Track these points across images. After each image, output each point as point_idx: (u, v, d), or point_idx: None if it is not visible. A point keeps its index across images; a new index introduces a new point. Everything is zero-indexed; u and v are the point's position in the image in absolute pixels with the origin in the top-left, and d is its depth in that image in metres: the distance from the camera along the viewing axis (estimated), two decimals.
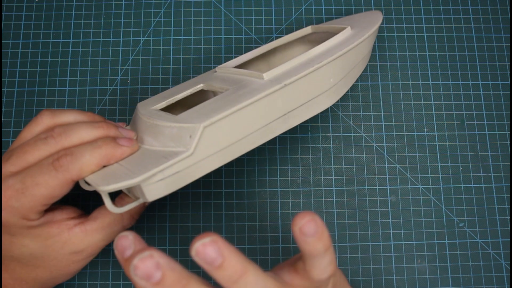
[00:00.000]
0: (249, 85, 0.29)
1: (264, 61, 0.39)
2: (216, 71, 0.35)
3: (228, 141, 0.27)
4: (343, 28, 0.33)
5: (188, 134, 0.25)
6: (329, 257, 0.22)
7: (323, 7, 0.42)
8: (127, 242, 0.19)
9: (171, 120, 0.27)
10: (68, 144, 0.26)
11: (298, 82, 0.28)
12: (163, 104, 0.31)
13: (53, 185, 0.25)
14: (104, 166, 0.26)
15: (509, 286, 0.36)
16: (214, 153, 0.26)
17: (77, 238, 0.27)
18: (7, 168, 0.26)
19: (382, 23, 0.40)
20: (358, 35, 0.32)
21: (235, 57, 0.40)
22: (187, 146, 0.25)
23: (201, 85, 0.32)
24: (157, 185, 0.25)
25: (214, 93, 0.36)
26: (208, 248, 0.18)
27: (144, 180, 0.24)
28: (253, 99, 0.27)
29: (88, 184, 0.29)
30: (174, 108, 0.35)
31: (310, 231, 0.21)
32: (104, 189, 0.24)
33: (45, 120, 0.28)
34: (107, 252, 0.36)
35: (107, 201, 0.26)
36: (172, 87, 0.39)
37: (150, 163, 0.25)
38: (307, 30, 0.37)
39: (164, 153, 0.26)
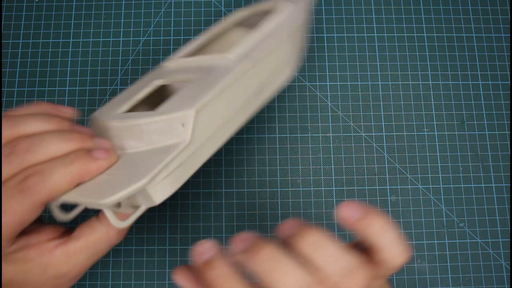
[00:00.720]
0: (217, 67, 0.28)
1: (206, 51, 0.37)
2: (165, 67, 0.33)
3: (218, 122, 0.26)
4: (281, 5, 0.34)
5: (180, 123, 0.24)
6: (393, 238, 0.21)
7: (323, 7, 0.42)
8: (206, 247, 0.21)
9: (152, 115, 0.25)
10: (35, 160, 0.23)
11: (265, 55, 0.29)
12: (126, 106, 0.29)
13: (20, 211, 0.22)
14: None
15: (509, 286, 0.36)
16: (209, 137, 0.26)
17: (60, 261, 0.25)
18: None
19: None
20: (298, 6, 0.33)
21: None
22: (182, 136, 0.24)
23: (161, 80, 0.30)
24: (163, 184, 0.24)
25: (176, 86, 0.35)
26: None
27: (150, 181, 0.23)
28: (234, 76, 0.27)
29: (64, 208, 0.26)
30: (133, 110, 0.33)
31: (350, 215, 0.21)
32: (108, 201, 0.21)
33: (4, 131, 0.23)
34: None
35: (110, 215, 0.24)
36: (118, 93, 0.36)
37: (149, 163, 0.23)
38: (242, 13, 0.37)
39: (157, 150, 0.24)
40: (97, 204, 0.22)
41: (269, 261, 0.20)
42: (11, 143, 0.23)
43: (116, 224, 0.24)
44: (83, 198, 0.22)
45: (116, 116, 0.26)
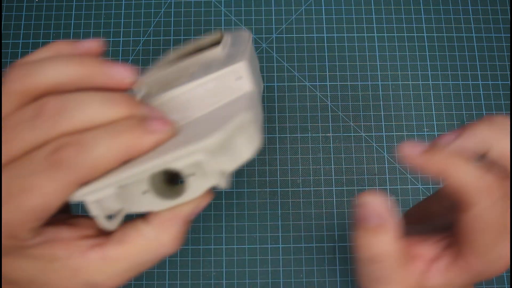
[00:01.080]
0: (215, 60, 0.25)
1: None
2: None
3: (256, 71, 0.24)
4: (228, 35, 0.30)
5: (234, 77, 0.21)
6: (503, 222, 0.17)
7: (323, 7, 0.42)
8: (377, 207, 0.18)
9: (196, 78, 0.21)
10: (69, 127, 0.17)
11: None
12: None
13: (49, 191, 0.17)
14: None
15: (509, 286, 0.36)
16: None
17: (94, 267, 0.19)
18: None
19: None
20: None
21: None
22: (243, 88, 0.21)
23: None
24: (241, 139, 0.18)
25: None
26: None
27: (236, 129, 0.17)
28: (249, 46, 0.25)
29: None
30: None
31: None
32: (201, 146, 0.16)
33: (18, 84, 0.18)
34: None
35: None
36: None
37: (217, 119, 0.19)
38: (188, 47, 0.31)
39: (217, 111, 0.20)
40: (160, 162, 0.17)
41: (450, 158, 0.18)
42: (37, 103, 0.17)
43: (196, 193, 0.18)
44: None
45: (150, 95, 0.22)
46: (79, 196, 0.17)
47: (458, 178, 0.17)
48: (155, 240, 0.19)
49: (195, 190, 0.18)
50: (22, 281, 0.19)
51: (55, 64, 0.18)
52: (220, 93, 0.21)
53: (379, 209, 0.19)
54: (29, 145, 0.17)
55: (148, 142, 0.18)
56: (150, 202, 0.18)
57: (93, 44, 0.20)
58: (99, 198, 0.18)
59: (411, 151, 0.18)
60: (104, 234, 0.20)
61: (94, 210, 0.18)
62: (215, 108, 0.21)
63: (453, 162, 0.18)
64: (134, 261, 0.19)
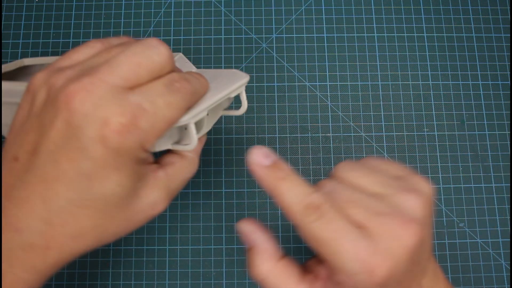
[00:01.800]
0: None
1: None
2: None
3: None
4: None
5: (185, 60, 0.30)
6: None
7: (323, 7, 0.42)
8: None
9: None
10: (174, 64, 0.23)
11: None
12: None
13: (182, 106, 0.22)
14: None
15: (509, 286, 0.36)
16: None
17: (160, 184, 0.23)
18: (116, 81, 0.20)
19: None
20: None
21: (235, 57, 0.40)
22: (191, 68, 0.29)
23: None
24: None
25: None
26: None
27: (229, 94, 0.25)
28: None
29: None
30: None
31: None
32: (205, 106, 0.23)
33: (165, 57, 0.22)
34: (107, 252, 0.36)
35: (193, 129, 0.24)
36: None
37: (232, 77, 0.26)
38: None
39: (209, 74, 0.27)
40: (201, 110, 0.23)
41: (286, 181, 0.21)
42: (150, 39, 0.22)
43: (195, 138, 0.24)
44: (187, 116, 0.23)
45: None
46: (187, 119, 0.23)
47: (282, 200, 0.21)
48: (193, 159, 0.26)
49: (208, 125, 0.27)
50: (113, 198, 0.21)
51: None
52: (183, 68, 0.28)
53: (250, 235, 0.22)
54: (156, 68, 0.21)
55: (206, 86, 0.24)
56: (190, 135, 0.24)
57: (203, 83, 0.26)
58: (195, 120, 0.23)
59: (258, 160, 0.21)
60: (154, 162, 0.25)
61: (193, 130, 0.24)
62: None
63: (282, 184, 0.21)
64: (182, 178, 0.25)
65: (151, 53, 0.21)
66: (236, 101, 0.38)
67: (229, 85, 0.25)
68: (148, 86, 0.21)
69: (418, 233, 0.20)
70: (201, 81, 0.24)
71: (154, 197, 0.23)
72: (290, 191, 0.20)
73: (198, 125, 0.26)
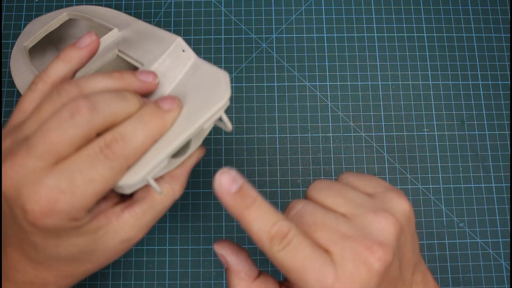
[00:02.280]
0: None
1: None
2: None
3: None
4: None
5: (180, 50, 0.26)
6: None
7: (323, 7, 0.42)
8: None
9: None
10: (101, 123, 0.21)
11: None
12: None
13: (110, 177, 0.21)
14: None
15: (509, 286, 0.36)
16: None
17: (128, 225, 0.23)
18: (34, 163, 0.20)
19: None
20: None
21: (235, 57, 0.40)
22: (190, 56, 0.26)
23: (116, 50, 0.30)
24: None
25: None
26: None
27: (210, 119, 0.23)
28: None
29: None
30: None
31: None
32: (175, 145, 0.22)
33: (71, 95, 0.22)
34: None
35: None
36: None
37: (211, 90, 0.24)
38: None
39: (191, 79, 0.25)
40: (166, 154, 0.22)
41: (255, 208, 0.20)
42: (69, 105, 0.21)
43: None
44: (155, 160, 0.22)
45: None
46: (140, 178, 0.21)
47: (250, 229, 0.20)
48: (170, 190, 0.25)
49: (195, 145, 0.25)
50: (73, 254, 0.23)
51: (102, 80, 0.23)
52: (177, 64, 0.26)
53: (225, 257, 0.23)
54: (74, 143, 0.21)
55: (171, 119, 0.23)
56: (168, 164, 0.24)
57: (89, 40, 0.25)
58: (154, 173, 0.22)
59: (224, 187, 0.20)
60: (123, 199, 0.25)
61: (153, 183, 0.22)
62: (183, 77, 0.26)
63: (248, 213, 0.20)
64: (156, 211, 0.24)
65: (66, 127, 0.20)
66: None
67: (200, 115, 0.23)
68: (69, 160, 0.21)
69: (386, 256, 0.20)
70: (158, 124, 0.22)
71: (121, 237, 0.23)
72: (257, 220, 0.20)
73: (184, 147, 0.25)
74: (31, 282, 0.24)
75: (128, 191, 0.22)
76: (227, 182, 0.20)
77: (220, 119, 0.25)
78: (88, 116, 0.21)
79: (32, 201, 0.20)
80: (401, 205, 0.22)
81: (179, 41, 0.26)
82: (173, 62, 0.26)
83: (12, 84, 0.40)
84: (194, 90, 0.24)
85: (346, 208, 0.22)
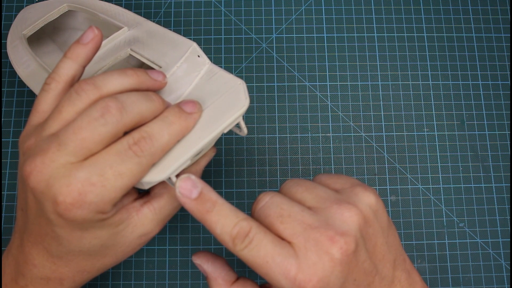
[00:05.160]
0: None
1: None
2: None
3: None
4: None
5: (196, 55, 0.28)
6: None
7: (323, 7, 0.42)
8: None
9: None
10: (129, 122, 0.22)
11: None
12: None
13: (137, 173, 0.22)
14: None
15: (509, 286, 0.36)
16: None
17: (147, 219, 0.25)
18: (65, 159, 0.21)
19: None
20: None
21: (235, 57, 0.40)
22: (205, 62, 0.27)
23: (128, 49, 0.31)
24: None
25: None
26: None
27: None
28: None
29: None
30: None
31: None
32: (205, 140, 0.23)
33: (90, 95, 0.23)
34: None
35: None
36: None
37: (229, 96, 0.25)
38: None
39: (209, 83, 0.26)
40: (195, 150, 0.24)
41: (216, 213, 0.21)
42: (99, 104, 0.22)
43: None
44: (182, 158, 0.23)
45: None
46: (166, 176, 0.23)
47: (214, 232, 0.22)
48: None
49: (209, 145, 0.27)
50: (94, 247, 0.24)
51: (118, 78, 0.24)
52: (193, 69, 0.27)
53: (202, 266, 0.24)
54: (104, 140, 0.22)
55: (193, 121, 0.24)
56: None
57: (92, 35, 0.25)
58: (177, 172, 0.23)
59: (185, 194, 0.22)
60: (144, 195, 0.26)
61: (175, 181, 0.23)
62: (199, 82, 0.27)
63: (210, 217, 0.21)
64: (173, 206, 0.26)
65: (97, 125, 0.22)
66: None
67: (222, 120, 0.24)
68: (99, 156, 0.22)
69: (347, 246, 0.20)
70: (181, 125, 0.24)
71: (140, 231, 0.25)
72: (218, 222, 0.21)
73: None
74: (48, 277, 0.25)
75: (147, 187, 0.24)
76: (187, 188, 0.22)
77: (237, 125, 0.27)
78: (117, 115, 0.22)
79: (64, 192, 0.21)
80: (366, 198, 0.23)
81: (194, 47, 0.28)
82: (190, 67, 0.27)
83: (12, 83, 0.40)
84: (212, 95, 0.26)
85: (313, 202, 0.22)
